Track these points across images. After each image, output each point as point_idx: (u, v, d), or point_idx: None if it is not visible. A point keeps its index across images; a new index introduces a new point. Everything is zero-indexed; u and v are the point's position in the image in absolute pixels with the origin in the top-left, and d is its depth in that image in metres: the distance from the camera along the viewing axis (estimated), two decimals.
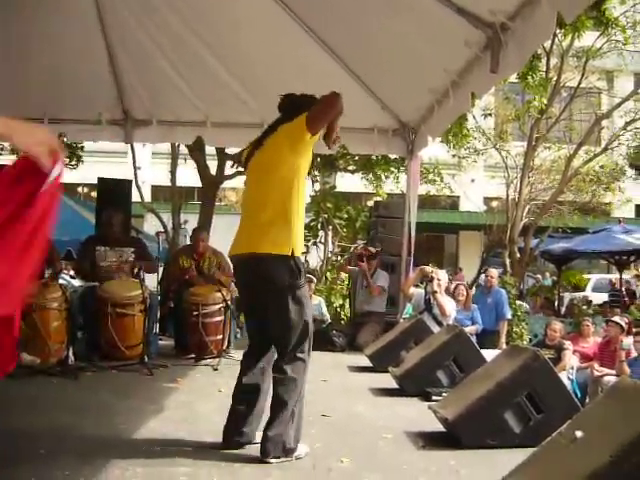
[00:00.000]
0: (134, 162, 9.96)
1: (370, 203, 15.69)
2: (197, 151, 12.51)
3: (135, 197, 10.02)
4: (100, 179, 9.58)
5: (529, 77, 10.99)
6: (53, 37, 6.56)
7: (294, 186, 3.77)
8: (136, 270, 7.01)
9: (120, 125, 8.18)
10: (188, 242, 12.59)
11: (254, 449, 3.75)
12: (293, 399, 3.68)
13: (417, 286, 8.90)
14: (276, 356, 3.83)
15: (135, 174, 11.58)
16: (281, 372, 3.72)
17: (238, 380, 3.94)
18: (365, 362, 6.92)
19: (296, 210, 3.78)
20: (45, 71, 6.99)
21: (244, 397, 3.89)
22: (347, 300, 10.92)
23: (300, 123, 3.74)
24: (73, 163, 14.49)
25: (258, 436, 3.80)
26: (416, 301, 8.53)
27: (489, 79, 5.37)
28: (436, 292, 7.85)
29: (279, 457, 3.62)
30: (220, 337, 7.04)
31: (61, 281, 7.49)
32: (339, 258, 14.15)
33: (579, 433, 2.76)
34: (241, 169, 12.67)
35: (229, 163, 13.20)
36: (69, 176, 16.03)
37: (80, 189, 22.69)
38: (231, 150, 12.67)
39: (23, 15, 6.16)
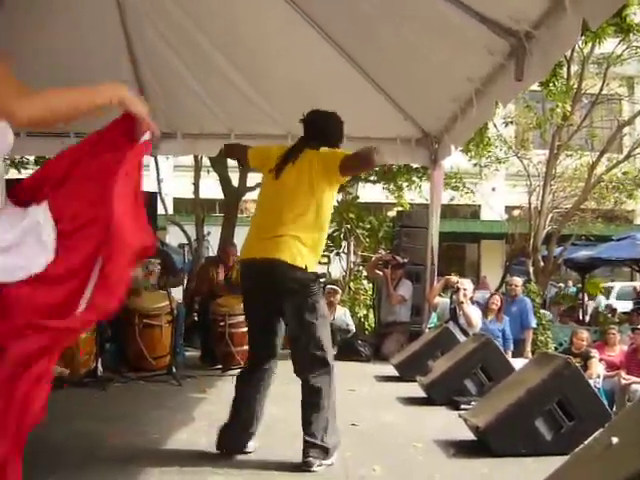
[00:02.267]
0: (158, 175, 10.01)
1: (391, 213, 15.68)
2: (219, 163, 12.58)
3: (159, 210, 10.08)
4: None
5: (551, 84, 10.98)
6: (78, 51, 6.62)
7: (319, 212, 3.95)
8: (162, 282, 7.08)
9: None
10: (211, 254, 12.69)
11: (288, 456, 3.79)
12: (322, 403, 3.80)
13: (442, 295, 8.89)
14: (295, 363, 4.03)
15: (159, 187, 11.69)
16: (307, 378, 3.88)
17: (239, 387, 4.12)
18: (392, 372, 6.92)
19: (317, 234, 3.96)
20: (69, 85, 7.06)
21: (244, 404, 4.06)
22: (371, 310, 10.93)
23: (335, 163, 3.95)
24: None
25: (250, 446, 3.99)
26: (441, 310, 8.52)
27: (513, 87, 5.36)
28: (462, 302, 7.84)
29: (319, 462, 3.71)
30: (247, 347, 7.04)
31: None
32: (361, 268, 14.15)
33: (614, 439, 2.75)
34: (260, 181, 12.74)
35: (251, 175, 13.27)
36: None
37: None
38: None
39: (49, 27, 6.20)
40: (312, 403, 3.80)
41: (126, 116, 2.45)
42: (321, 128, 4.20)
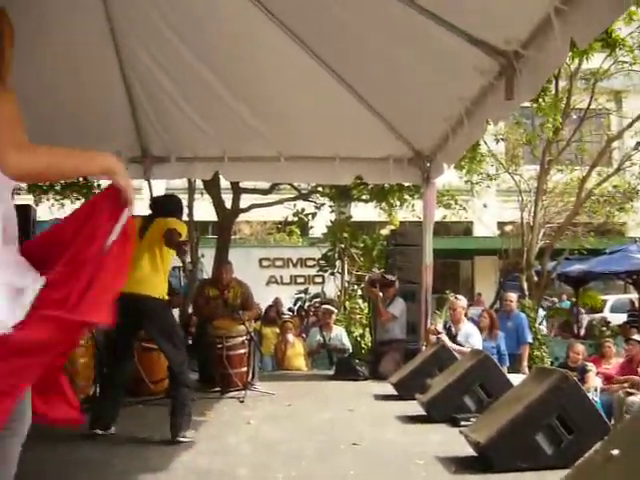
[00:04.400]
0: (151, 198, 10.06)
1: (384, 231, 15.73)
2: (213, 185, 12.62)
3: None
4: None
5: (540, 100, 11.10)
6: (70, 75, 6.62)
7: None
8: None
9: (139, 162, 8.28)
10: (205, 276, 12.69)
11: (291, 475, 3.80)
12: None
13: (436, 313, 8.90)
14: None
15: None
16: None
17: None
18: (389, 390, 6.93)
19: None
20: (64, 111, 7.08)
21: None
22: (367, 329, 10.95)
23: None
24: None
25: None
26: None
27: (504, 106, 5.43)
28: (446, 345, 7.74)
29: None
30: (244, 369, 7.09)
31: None
32: (356, 287, 14.18)
33: (615, 451, 2.79)
34: (256, 202, 12.84)
35: (244, 197, 13.34)
36: None
37: None
38: (246, 184, 12.81)
39: (39, 53, 6.17)
40: None
41: (113, 189, 2.44)
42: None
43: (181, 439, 4.89)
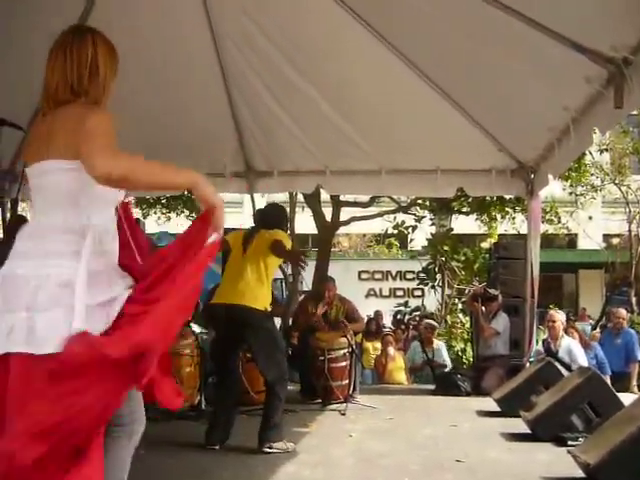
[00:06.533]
0: (254, 211, 10.23)
1: (484, 244, 15.50)
2: (313, 199, 12.74)
3: None
4: (225, 230, 9.93)
5: None
6: (175, 90, 6.80)
7: None
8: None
9: (243, 177, 8.43)
10: (305, 288, 12.81)
11: None
12: None
13: (540, 328, 8.70)
14: None
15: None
16: None
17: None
18: (492, 406, 6.78)
19: None
20: (170, 126, 7.29)
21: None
22: (469, 344, 10.77)
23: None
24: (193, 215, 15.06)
25: None
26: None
27: (612, 115, 5.25)
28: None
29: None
30: (346, 382, 7.11)
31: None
32: (457, 301, 14.01)
33: None
34: (356, 215, 12.88)
35: (344, 210, 13.41)
36: None
37: None
38: (346, 197, 12.88)
39: (145, 65, 6.19)
40: None
41: (207, 212, 2.42)
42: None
43: (267, 450, 4.88)
